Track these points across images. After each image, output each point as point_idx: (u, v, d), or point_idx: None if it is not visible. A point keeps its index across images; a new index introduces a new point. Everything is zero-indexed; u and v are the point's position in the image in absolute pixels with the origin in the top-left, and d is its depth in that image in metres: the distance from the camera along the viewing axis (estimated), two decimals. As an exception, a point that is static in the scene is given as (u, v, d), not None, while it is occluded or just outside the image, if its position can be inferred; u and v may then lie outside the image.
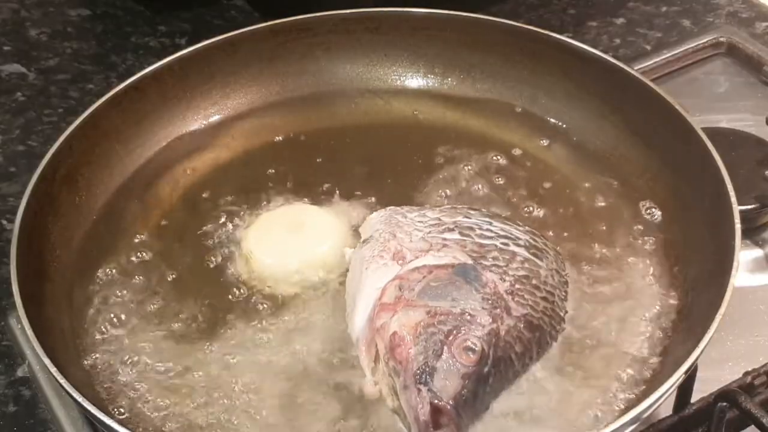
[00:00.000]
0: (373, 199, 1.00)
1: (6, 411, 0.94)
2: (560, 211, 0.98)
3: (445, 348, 0.74)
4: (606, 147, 1.04)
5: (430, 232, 0.86)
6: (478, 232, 0.86)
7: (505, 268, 0.82)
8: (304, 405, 0.81)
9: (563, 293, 0.86)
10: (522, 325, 0.80)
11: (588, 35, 1.39)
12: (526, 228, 0.89)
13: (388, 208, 0.93)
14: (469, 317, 0.77)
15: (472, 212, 0.90)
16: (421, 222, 0.88)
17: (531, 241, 0.87)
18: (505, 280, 0.81)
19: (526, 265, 0.84)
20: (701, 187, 0.92)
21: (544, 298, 0.83)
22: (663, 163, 1.00)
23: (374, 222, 0.91)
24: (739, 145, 1.11)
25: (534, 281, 0.83)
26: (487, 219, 0.89)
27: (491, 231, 0.86)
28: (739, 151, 1.09)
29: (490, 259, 0.83)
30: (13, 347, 1.00)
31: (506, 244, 0.85)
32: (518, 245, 0.85)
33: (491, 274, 0.81)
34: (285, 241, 0.94)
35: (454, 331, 0.75)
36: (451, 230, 0.86)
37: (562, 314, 0.85)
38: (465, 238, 0.85)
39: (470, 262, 0.82)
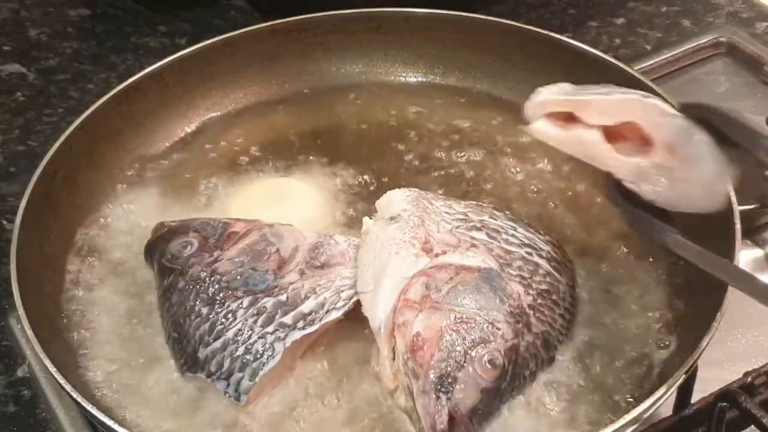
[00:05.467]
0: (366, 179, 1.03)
1: (6, 411, 0.94)
2: (559, 211, 0.98)
3: (468, 358, 0.74)
4: (606, 147, 1.03)
5: (458, 227, 0.85)
6: (504, 236, 0.85)
7: (529, 280, 0.82)
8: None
9: (576, 311, 0.86)
10: (539, 343, 0.79)
11: (588, 35, 1.39)
12: (547, 238, 0.89)
13: (412, 189, 0.92)
14: (493, 329, 0.76)
15: (497, 213, 0.89)
16: (448, 214, 0.87)
17: (552, 253, 0.86)
18: (528, 294, 0.80)
19: (548, 279, 0.83)
20: (701, 187, 0.92)
21: (561, 315, 0.82)
22: (663, 163, 0.99)
23: (399, 200, 0.89)
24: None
25: (554, 296, 0.83)
26: (512, 223, 0.88)
27: (516, 237, 0.86)
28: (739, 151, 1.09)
29: (515, 268, 0.82)
30: (13, 347, 1.00)
31: (530, 254, 0.84)
32: (541, 257, 0.85)
33: (516, 285, 0.80)
34: (268, 211, 0.95)
35: (478, 342, 0.75)
36: (478, 229, 0.85)
37: (571, 332, 0.84)
38: (492, 240, 0.84)
39: (496, 267, 0.81)
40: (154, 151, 1.08)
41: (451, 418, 0.72)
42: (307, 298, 0.82)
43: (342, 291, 0.83)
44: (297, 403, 0.80)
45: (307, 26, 1.15)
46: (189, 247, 0.87)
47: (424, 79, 1.18)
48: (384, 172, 1.04)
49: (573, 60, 1.08)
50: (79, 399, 0.75)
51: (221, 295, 0.82)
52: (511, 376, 0.76)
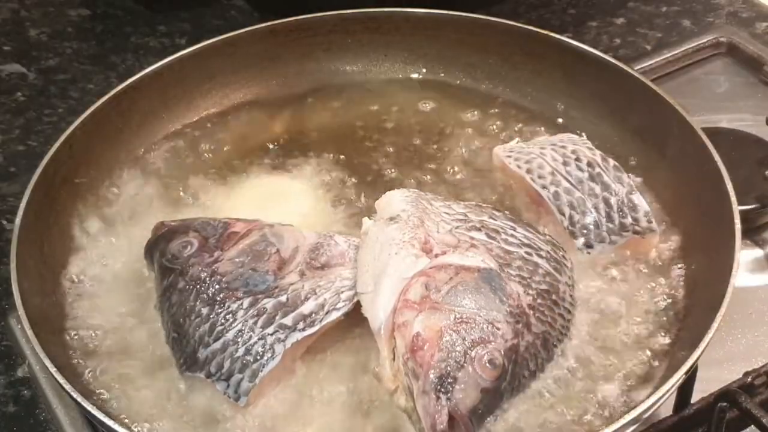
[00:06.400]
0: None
1: (6, 411, 0.95)
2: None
3: (468, 359, 0.74)
4: (606, 147, 1.03)
5: (457, 227, 0.85)
6: (504, 236, 0.85)
7: (528, 280, 0.82)
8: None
9: (575, 310, 0.85)
10: (539, 343, 0.79)
11: (588, 35, 1.39)
12: (547, 237, 0.89)
13: (411, 189, 0.92)
14: (493, 329, 0.76)
15: (497, 213, 0.89)
16: (447, 214, 0.87)
17: (552, 252, 0.86)
18: (528, 294, 0.80)
19: (548, 278, 0.83)
20: (701, 187, 0.92)
21: (561, 315, 0.82)
22: (663, 163, 1.00)
23: (398, 200, 0.89)
24: (739, 145, 1.12)
25: (554, 296, 0.82)
26: (511, 223, 0.88)
27: (515, 237, 0.86)
28: (739, 151, 1.09)
29: (515, 268, 0.82)
30: (13, 347, 1.00)
31: (530, 254, 0.84)
32: (540, 256, 0.85)
33: (516, 285, 0.80)
34: (266, 210, 0.95)
35: (478, 342, 0.75)
36: (477, 229, 0.85)
37: (571, 331, 0.84)
38: (491, 240, 0.84)
39: (496, 267, 0.81)
40: (153, 151, 1.08)
41: (451, 418, 0.72)
42: (307, 299, 0.82)
43: (342, 292, 0.83)
44: (297, 403, 0.80)
45: (307, 26, 1.15)
46: (189, 247, 0.87)
47: (424, 79, 1.18)
48: (383, 172, 1.04)
49: (573, 60, 1.08)
50: (79, 399, 0.75)
51: (221, 295, 0.82)
52: (511, 376, 0.76)
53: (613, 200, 0.92)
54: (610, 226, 0.91)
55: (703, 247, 0.90)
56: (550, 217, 0.94)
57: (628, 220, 0.91)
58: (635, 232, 0.91)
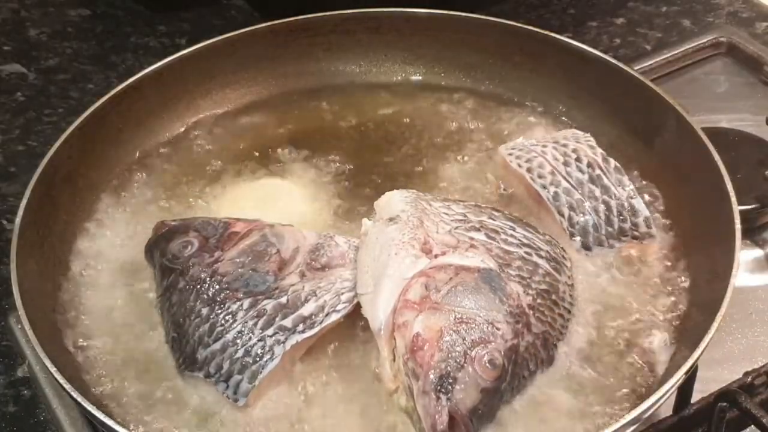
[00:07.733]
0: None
1: (6, 411, 0.95)
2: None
3: (468, 359, 0.74)
4: (606, 147, 1.03)
5: (457, 228, 0.85)
6: (503, 236, 0.85)
7: (528, 280, 0.82)
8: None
9: (575, 310, 0.86)
10: (539, 343, 0.79)
11: (588, 35, 1.39)
12: (547, 237, 0.89)
13: (411, 190, 0.92)
14: (493, 329, 0.76)
15: (496, 213, 0.90)
16: (447, 215, 0.87)
17: (551, 252, 0.86)
18: (528, 294, 0.81)
19: (547, 278, 0.83)
20: (701, 187, 0.92)
21: (560, 315, 0.83)
22: (663, 163, 1.00)
23: (397, 201, 0.89)
24: (739, 145, 1.12)
25: (553, 296, 0.83)
26: (510, 223, 0.88)
27: (515, 237, 0.86)
28: (739, 151, 1.09)
29: (514, 268, 0.82)
30: (13, 347, 1.00)
31: (529, 254, 0.84)
32: (540, 256, 0.85)
33: (516, 285, 0.80)
34: (264, 211, 0.95)
35: (478, 342, 0.75)
36: (477, 230, 0.85)
37: (570, 331, 0.84)
38: (491, 240, 0.84)
39: (495, 267, 0.81)
40: (153, 151, 1.08)
41: (452, 418, 0.72)
42: (307, 300, 0.82)
43: (342, 293, 0.83)
44: (296, 405, 0.80)
45: (307, 26, 1.15)
46: (189, 247, 0.87)
47: (424, 79, 1.18)
48: (382, 172, 1.04)
49: (573, 60, 1.08)
50: (79, 399, 0.75)
51: (221, 296, 0.82)
52: (511, 376, 0.76)
53: (613, 203, 0.92)
54: (609, 229, 0.91)
55: (703, 247, 0.90)
56: (550, 217, 0.94)
57: (628, 225, 0.91)
58: (634, 237, 0.91)
